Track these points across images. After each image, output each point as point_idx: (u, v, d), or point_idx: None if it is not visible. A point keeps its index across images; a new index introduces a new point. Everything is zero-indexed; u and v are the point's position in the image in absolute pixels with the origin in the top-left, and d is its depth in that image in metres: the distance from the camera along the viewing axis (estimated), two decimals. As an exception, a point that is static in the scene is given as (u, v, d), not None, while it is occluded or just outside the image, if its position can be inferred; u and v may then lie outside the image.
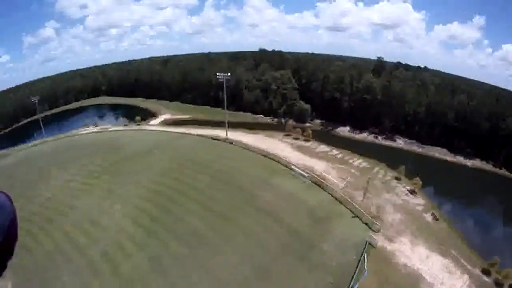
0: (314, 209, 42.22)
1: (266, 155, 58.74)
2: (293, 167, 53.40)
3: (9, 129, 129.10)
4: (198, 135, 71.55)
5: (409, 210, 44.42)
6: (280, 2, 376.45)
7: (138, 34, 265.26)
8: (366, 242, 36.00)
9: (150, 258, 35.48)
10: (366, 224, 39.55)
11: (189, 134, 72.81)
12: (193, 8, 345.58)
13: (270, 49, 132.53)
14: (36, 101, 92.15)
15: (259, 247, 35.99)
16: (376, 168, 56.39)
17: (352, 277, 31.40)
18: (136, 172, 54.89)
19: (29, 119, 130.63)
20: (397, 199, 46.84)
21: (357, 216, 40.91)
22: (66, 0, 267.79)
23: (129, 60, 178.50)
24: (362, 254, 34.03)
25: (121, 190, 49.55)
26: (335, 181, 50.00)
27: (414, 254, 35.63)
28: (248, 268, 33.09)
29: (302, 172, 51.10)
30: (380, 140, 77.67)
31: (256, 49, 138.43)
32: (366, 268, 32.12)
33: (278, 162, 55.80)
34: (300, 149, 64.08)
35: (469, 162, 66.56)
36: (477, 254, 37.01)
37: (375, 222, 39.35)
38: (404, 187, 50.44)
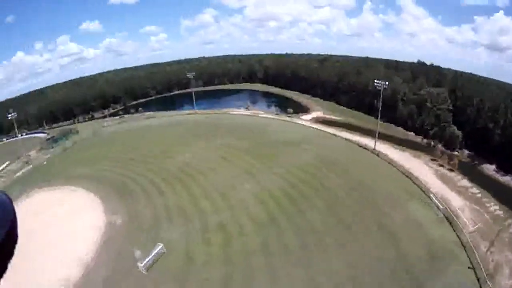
0: (435, 245, 40.66)
1: (408, 175, 60.05)
2: (431, 195, 53.45)
3: (160, 96, 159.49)
4: (346, 139, 77.41)
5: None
6: (437, 13, 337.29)
7: (297, 29, 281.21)
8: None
9: (262, 242, 38.81)
10: (478, 280, 36.50)
11: (338, 136, 79.59)
12: (351, 9, 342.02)
13: (428, 62, 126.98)
14: (192, 76, 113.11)
15: (367, 266, 36.29)
16: (509, 221, 50.28)
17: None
18: (276, 160, 60.67)
19: (180, 91, 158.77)
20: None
21: (473, 268, 37.97)
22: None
23: (286, 53, 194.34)
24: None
25: (256, 173, 55.84)
26: (466, 222, 47.62)
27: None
28: (348, 283, 34.21)
29: (438, 204, 50.81)
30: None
31: (414, 60, 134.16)
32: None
33: (418, 186, 56.43)
34: (442, 177, 62.33)
35: None
36: None
37: (488, 282, 36.23)
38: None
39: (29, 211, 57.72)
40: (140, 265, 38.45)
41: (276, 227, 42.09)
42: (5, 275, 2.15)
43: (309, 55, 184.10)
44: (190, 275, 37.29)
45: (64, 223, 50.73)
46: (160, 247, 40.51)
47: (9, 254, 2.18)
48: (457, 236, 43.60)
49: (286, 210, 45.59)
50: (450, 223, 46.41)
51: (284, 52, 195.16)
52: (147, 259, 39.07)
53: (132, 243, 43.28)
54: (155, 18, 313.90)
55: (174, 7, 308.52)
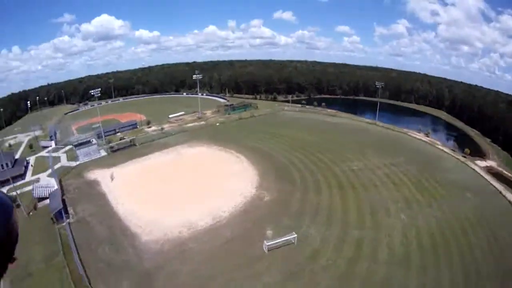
0: None
1: None
2: None
3: (344, 97, 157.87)
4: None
5: None
6: None
7: (488, 59, 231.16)
8: None
9: (386, 277, 35.16)
10: None
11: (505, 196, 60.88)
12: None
13: None
14: (381, 86, 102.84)
15: None
16: None
17: None
18: (438, 199, 53.37)
19: (365, 97, 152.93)
20: None
21: None
22: (417, 2, 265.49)
23: (476, 85, 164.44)
24: None
25: (415, 206, 50.05)
26: None
27: None
28: None
29: None
30: None
31: None
32: None
33: None
34: None
35: None
36: None
37: None
38: None
39: (191, 156, 66.71)
40: (266, 243, 37.19)
41: (407, 269, 37.02)
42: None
43: (497, 92, 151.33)
44: (304, 272, 35.07)
45: (217, 180, 56.29)
46: (292, 236, 37.55)
47: (9, 253, 2.21)
48: None
49: (423, 256, 39.62)
50: None
51: (473, 84, 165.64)
52: (274, 241, 37.49)
53: (269, 222, 43.50)
54: (349, 19, 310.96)
55: (369, 11, 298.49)
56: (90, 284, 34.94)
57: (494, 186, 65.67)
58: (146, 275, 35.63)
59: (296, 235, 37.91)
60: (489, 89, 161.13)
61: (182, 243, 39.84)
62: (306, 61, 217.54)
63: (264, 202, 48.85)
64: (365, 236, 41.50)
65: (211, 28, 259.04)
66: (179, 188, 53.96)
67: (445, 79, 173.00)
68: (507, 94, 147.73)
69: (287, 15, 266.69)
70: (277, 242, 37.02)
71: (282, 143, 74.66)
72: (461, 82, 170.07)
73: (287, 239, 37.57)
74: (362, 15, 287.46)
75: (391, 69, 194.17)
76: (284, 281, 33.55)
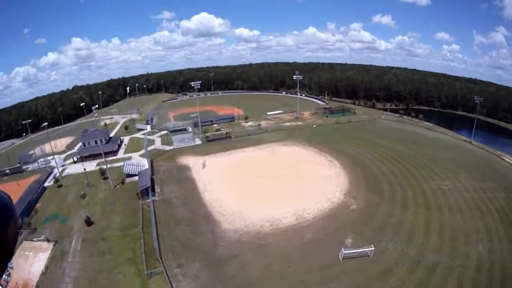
0: None
1: None
2: None
3: (443, 110, 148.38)
4: None
5: None
6: None
7: None
8: None
9: None
10: None
11: None
12: None
13: None
14: (479, 101, 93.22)
15: None
16: None
17: None
18: None
19: (464, 113, 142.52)
20: None
21: None
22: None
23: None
24: None
25: (496, 239, 44.93)
26: None
27: None
28: None
29: None
30: None
31: None
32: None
33: None
34: None
35: None
36: None
37: None
38: None
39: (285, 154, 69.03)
40: (342, 251, 37.83)
41: None
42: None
43: None
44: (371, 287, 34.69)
45: (307, 181, 57.79)
46: (370, 249, 37.64)
47: (10, 253, 2.14)
48: None
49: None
50: None
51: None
52: (351, 251, 38.02)
53: (350, 230, 43.77)
54: (448, 25, 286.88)
55: (467, 17, 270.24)
56: (161, 258, 37.41)
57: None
58: (219, 260, 37.80)
59: (373, 248, 37.80)
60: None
61: (261, 237, 42.08)
62: (406, 69, 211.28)
63: (349, 210, 49.07)
64: (441, 262, 39.28)
65: (311, 29, 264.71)
66: (268, 184, 56.43)
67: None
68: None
69: (386, 19, 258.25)
70: (353, 252, 37.48)
71: (376, 152, 73.62)
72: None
73: (363, 251, 37.70)
74: (460, 20, 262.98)
75: (490, 83, 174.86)
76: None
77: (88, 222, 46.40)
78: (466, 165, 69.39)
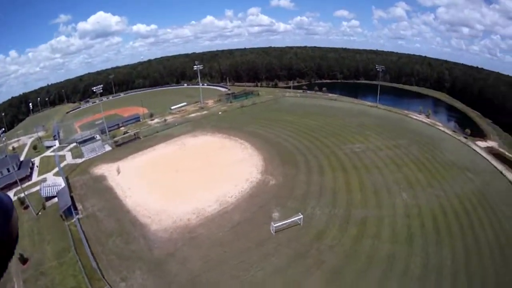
0: None
1: None
2: None
3: (345, 81, 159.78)
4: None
5: None
6: None
7: (489, 41, 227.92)
8: None
9: (388, 255, 35.75)
10: None
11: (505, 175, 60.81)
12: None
13: None
14: (381, 69, 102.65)
15: None
16: None
17: None
18: (438, 180, 53.89)
19: (366, 81, 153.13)
20: None
21: None
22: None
23: (477, 67, 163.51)
24: None
25: (416, 186, 50.60)
26: None
27: None
28: None
29: None
30: None
31: None
32: None
33: None
34: None
35: None
36: None
37: None
38: None
39: (195, 145, 67.11)
40: (273, 225, 38.05)
41: (410, 247, 37.59)
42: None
43: (497, 73, 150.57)
44: (311, 251, 36.08)
45: (222, 167, 57.23)
46: (299, 217, 38.30)
47: (10, 253, 1.65)
48: None
49: (427, 234, 40.03)
50: None
51: (474, 66, 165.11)
52: (281, 223, 38.38)
53: (275, 205, 44.48)
54: (348, 3, 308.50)
55: None
56: (103, 276, 35.15)
57: (495, 166, 66.11)
58: (157, 262, 36.46)
59: (302, 216, 38.73)
60: (490, 71, 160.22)
61: (191, 230, 40.76)
62: (306, 47, 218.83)
63: (269, 186, 49.67)
64: (369, 215, 42.21)
65: (209, 18, 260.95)
66: (185, 177, 54.95)
67: (445, 61, 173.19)
68: (508, 76, 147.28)
69: (285, 2, 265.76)
70: (283, 224, 37.84)
71: (285, 129, 75.43)
72: (462, 64, 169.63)
73: (293, 220, 38.36)
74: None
75: (392, 52, 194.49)
76: (291, 261, 34.38)
77: (23, 260, 39.56)
78: (375, 127, 75.88)
